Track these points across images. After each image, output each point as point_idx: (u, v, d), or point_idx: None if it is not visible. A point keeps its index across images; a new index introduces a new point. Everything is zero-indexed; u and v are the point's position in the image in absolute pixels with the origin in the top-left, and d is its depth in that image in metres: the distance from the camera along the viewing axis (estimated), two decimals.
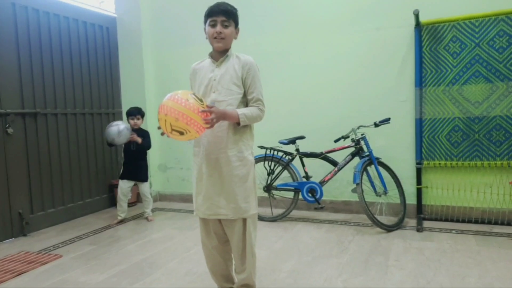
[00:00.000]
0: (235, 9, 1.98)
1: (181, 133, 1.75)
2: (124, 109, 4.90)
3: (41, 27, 3.87)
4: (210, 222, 2.10)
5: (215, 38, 1.93)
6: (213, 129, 1.87)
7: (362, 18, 3.81)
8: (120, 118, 4.91)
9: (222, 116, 1.83)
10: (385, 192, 3.53)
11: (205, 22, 1.98)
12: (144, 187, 4.08)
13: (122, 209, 4.03)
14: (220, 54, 2.00)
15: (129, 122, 3.98)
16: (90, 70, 4.46)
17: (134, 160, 4.00)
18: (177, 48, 4.72)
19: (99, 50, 4.59)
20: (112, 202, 4.73)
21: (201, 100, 1.80)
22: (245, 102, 1.99)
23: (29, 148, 3.75)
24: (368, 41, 3.80)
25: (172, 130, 1.75)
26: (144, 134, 4.03)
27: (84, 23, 4.38)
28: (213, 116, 1.76)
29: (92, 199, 4.48)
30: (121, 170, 4.05)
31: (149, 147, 4.07)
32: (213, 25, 1.93)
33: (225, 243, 2.15)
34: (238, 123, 1.90)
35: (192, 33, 4.58)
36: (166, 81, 4.82)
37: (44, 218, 3.90)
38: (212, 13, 1.92)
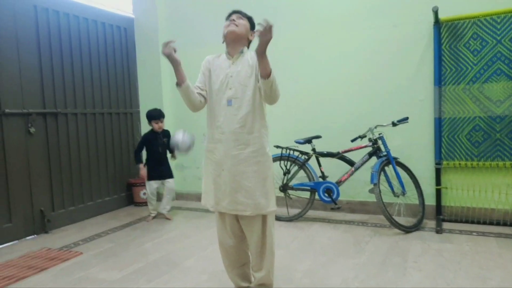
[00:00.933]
0: (250, 15, 2.10)
1: None
2: (142, 108, 4.98)
3: (61, 28, 3.96)
4: (227, 220, 2.11)
5: (227, 28, 1.99)
6: (232, 125, 1.93)
7: (378, 15, 3.75)
8: (138, 118, 4.99)
9: (266, 44, 1.70)
10: (403, 193, 3.48)
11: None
12: (172, 184, 4.17)
13: (153, 207, 4.17)
14: (234, 49, 2.02)
15: (152, 126, 4.06)
16: (109, 70, 4.54)
17: (161, 160, 4.10)
18: (192, 48, 4.74)
19: (117, 50, 4.67)
20: (130, 200, 4.81)
21: None
22: (259, 99, 1.97)
23: (50, 147, 3.85)
24: (385, 38, 3.75)
25: None
26: (168, 134, 4.16)
27: (102, 24, 4.46)
28: (269, 30, 1.66)
29: (110, 197, 4.56)
30: (147, 171, 4.08)
31: None
32: (228, 19, 2.04)
33: (242, 241, 2.16)
34: (267, 76, 1.77)
35: (207, 34, 4.61)
36: None
37: (64, 215, 3.99)
38: (229, 14, 2.08)
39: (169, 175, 4.17)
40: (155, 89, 4.88)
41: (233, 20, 1.99)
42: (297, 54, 4.14)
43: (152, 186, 4.08)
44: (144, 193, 4.72)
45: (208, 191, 2.11)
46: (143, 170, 4.06)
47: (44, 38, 3.80)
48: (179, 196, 5.02)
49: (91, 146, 4.31)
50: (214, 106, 2.03)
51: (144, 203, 4.72)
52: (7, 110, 3.42)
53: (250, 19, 2.08)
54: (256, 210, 1.97)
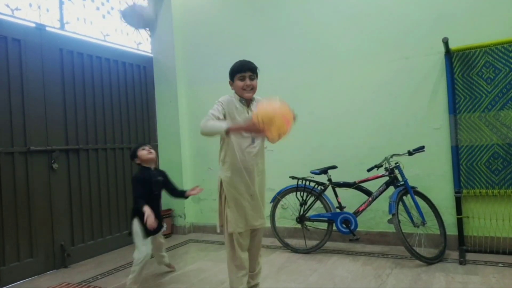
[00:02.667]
0: (255, 65, 2.47)
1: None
2: (160, 143, 5.11)
3: (84, 69, 4.18)
4: (245, 236, 2.51)
5: (244, 89, 2.40)
6: (254, 158, 2.43)
7: (390, 48, 3.83)
8: (156, 152, 5.08)
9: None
10: (423, 223, 3.41)
11: (231, 77, 2.46)
12: (161, 236, 3.37)
13: (163, 260, 3.44)
14: (249, 100, 2.46)
15: (138, 155, 3.18)
16: (129, 106, 4.72)
17: (157, 207, 3.17)
18: (208, 84, 4.91)
19: (136, 87, 4.86)
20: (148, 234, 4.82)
21: None
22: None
23: (72, 182, 3.95)
24: (396, 70, 3.81)
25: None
26: (165, 174, 3.33)
27: (123, 63, 4.68)
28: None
29: (128, 230, 4.59)
30: (138, 226, 3.08)
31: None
32: (242, 79, 2.40)
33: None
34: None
35: (221, 71, 4.71)
36: (198, 115, 4.98)
37: (84, 250, 4.03)
38: (241, 70, 2.41)
39: (162, 225, 3.36)
40: (173, 123, 5.01)
41: (248, 85, 2.40)
42: (312, 87, 4.22)
43: (148, 245, 3.08)
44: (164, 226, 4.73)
45: (237, 216, 2.44)
46: (150, 216, 2.88)
47: (68, 79, 4.00)
48: (196, 228, 5.03)
49: (110, 180, 4.41)
50: (236, 143, 2.40)
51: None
52: (32, 148, 3.57)
53: (256, 71, 2.47)
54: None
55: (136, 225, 3.07)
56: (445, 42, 3.36)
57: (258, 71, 2.48)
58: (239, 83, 2.41)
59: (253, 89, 2.42)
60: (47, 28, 3.83)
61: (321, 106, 4.17)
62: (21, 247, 3.47)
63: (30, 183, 3.57)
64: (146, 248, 3.03)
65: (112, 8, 4.66)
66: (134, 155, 3.21)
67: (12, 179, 3.44)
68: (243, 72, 2.40)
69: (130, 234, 3.16)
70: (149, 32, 5.18)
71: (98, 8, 4.49)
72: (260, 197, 2.50)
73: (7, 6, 3.57)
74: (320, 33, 4.17)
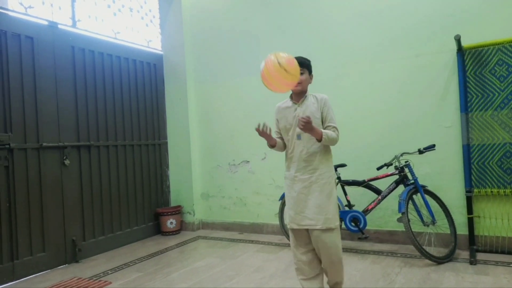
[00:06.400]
0: (308, 60, 2.44)
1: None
2: (170, 139, 5.14)
3: (95, 66, 4.22)
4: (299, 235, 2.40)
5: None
6: (302, 154, 2.34)
7: (400, 46, 3.80)
8: (166, 149, 5.14)
9: (311, 127, 2.20)
10: (433, 222, 3.38)
11: None
12: None
13: None
14: (299, 96, 2.42)
15: None
16: (139, 103, 4.76)
17: None
18: (217, 82, 4.93)
19: (146, 84, 4.90)
20: (157, 230, 4.88)
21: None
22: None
23: (83, 178, 4.01)
24: (408, 68, 3.77)
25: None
26: None
27: (133, 61, 4.71)
28: (307, 121, 2.14)
29: (138, 226, 4.66)
30: None
31: None
32: None
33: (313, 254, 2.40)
34: (319, 140, 2.28)
35: (231, 68, 4.79)
36: (207, 112, 5.02)
37: (95, 245, 4.09)
38: None
39: None
40: (182, 120, 5.04)
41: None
42: (322, 85, 4.17)
43: None
44: (171, 222, 4.80)
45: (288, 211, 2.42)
46: None
47: (80, 76, 4.05)
48: (204, 225, 5.06)
49: (121, 176, 4.46)
50: (288, 141, 2.44)
51: (171, 233, 4.78)
52: (44, 144, 3.63)
53: (308, 66, 2.42)
54: (325, 224, 2.29)
55: None
56: (458, 40, 3.31)
57: (309, 66, 2.42)
58: None
59: (301, 83, 2.34)
60: (59, 26, 3.88)
61: (332, 104, 4.14)
62: (33, 242, 3.53)
63: (43, 179, 3.63)
64: None
65: (123, 6, 4.69)
66: None
67: (25, 175, 3.50)
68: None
69: None
70: (159, 30, 5.21)
71: (109, 6, 4.53)
72: (314, 196, 2.31)
73: (21, 4, 3.62)
74: (331, 30, 4.15)
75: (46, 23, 3.76)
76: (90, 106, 4.14)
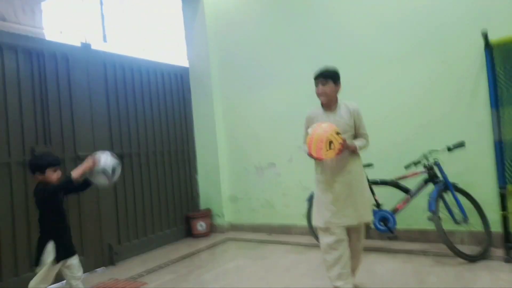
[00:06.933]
0: (332, 70, 2.58)
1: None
2: (197, 146, 5.28)
3: (126, 80, 4.44)
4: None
5: (318, 95, 2.59)
6: (337, 159, 2.47)
7: (427, 45, 3.75)
8: (194, 154, 5.28)
9: (347, 147, 2.47)
10: (465, 220, 3.32)
11: None
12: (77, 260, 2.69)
13: None
14: (329, 106, 2.60)
15: (47, 177, 2.56)
16: (167, 113, 4.95)
17: (67, 228, 2.70)
18: (242, 91, 5.03)
19: (174, 95, 5.09)
20: (188, 233, 5.02)
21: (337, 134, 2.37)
22: (352, 137, 2.61)
23: (117, 185, 4.19)
24: (435, 68, 3.72)
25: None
26: (64, 185, 2.61)
27: (161, 73, 4.92)
28: (342, 148, 2.39)
29: (170, 229, 4.81)
30: (55, 247, 2.52)
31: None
32: (316, 85, 2.59)
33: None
34: (356, 151, 2.58)
35: (255, 77, 4.89)
36: (233, 120, 5.13)
37: (129, 248, 4.26)
38: (315, 76, 2.60)
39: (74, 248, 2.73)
40: (209, 128, 5.19)
41: (320, 90, 2.57)
42: (350, 89, 4.12)
43: (53, 271, 2.54)
44: (201, 225, 4.91)
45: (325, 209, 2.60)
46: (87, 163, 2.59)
47: (111, 90, 4.27)
48: (233, 227, 5.15)
49: (152, 182, 4.63)
50: None
51: (201, 235, 4.90)
52: (80, 153, 3.82)
53: (333, 76, 2.56)
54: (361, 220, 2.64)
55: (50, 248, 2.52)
56: (484, 35, 3.25)
57: (334, 76, 2.56)
58: (315, 89, 2.61)
59: (325, 94, 2.55)
60: (92, 46, 4.12)
61: (359, 103, 4.13)
62: None
63: None
64: (46, 275, 2.51)
65: (149, 23, 4.88)
66: (42, 168, 2.55)
67: None
68: (316, 79, 2.59)
69: (37, 263, 2.52)
70: (185, 42, 5.36)
71: (136, 24, 4.74)
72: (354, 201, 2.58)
73: (57, 29, 3.86)
74: (356, 37, 4.15)
75: (79, 44, 4.02)
76: (122, 117, 4.34)
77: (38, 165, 2.57)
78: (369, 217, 2.64)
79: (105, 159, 2.63)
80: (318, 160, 2.52)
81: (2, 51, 3.36)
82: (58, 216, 2.60)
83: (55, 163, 2.61)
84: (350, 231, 2.60)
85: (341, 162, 2.53)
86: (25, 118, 3.49)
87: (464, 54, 3.57)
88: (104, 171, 2.59)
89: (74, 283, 2.65)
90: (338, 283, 2.50)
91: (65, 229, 2.65)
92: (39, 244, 2.53)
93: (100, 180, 2.63)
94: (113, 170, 2.63)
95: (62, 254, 2.54)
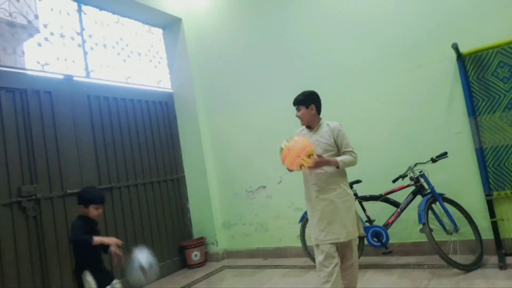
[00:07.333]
0: (303, 95, 2.74)
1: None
2: (187, 173, 5.26)
3: (111, 111, 4.44)
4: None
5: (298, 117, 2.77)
6: (321, 177, 2.58)
7: (401, 59, 3.88)
8: (184, 183, 5.25)
9: (326, 162, 2.54)
10: (456, 229, 3.35)
11: None
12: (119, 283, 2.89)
13: None
14: (310, 126, 2.76)
15: (90, 212, 2.79)
16: (154, 141, 4.93)
17: (101, 260, 2.89)
18: (227, 112, 5.09)
19: (160, 122, 5.09)
20: (183, 263, 4.93)
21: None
22: (336, 155, 2.65)
23: (107, 219, 4.13)
24: (410, 79, 3.84)
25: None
26: (96, 222, 2.94)
27: (146, 102, 4.93)
28: (316, 162, 2.44)
29: (164, 262, 4.72)
30: (90, 276, 2.69)
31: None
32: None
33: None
34: (337, 167, 2.59)
35: (238, 98, 4.96)
36: (221, 143, 5.15)
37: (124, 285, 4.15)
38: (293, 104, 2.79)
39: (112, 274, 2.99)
40: (197, 153, 5.18)
41: (296, 114, 2.75)
42: (328, 104, 4.25)
43: None
44: (196, 255, 4.84)
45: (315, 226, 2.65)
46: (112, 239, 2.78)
47: (96, 122, 4.26)
48: (228, 254, 5.09)
49: (143, 214, 4.57)
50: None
51: (197, 265, 4.82)
52: (68, 191, 3.78)
53: (302, 102, 2.71)
54: (348, 237, 2.62)
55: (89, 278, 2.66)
56: (455, 48, 3.38)
57: (304, 101, 2.71)
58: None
59: (301, 118, 2.74)
60: (74, 78, 4.12)
61: (341, 122, 4.21)
62: (65, 286, 3.62)
63: (69, 225, 3.75)
64: None
65: (131, 52, 4.94)
66: (86, 202, 2.77)
67: (53, 223, 3.65)
68: (294, 106, 2.78)
69: None
70: (167, 69, 5.44)
71: (119, 53, 4.78)
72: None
73: (38, 62, 3.87)
74: (331, 52, 4.28)
75: (62, 77, 4.00)
76: (108, 150, 4.32)
77: (83, 198, 2.78)
78: (356, 233, 2.64)
79: (142, 256, 2.74)
80: (290, 171, 2.59)
81: None
82: (89, 249, 2.69)
83: (98, 202, 2.80)
84: (342, 248, 2.62)
85: (326, 180, 2.60)
86: (9, 157, 3.45)
87: (438, 66, 3.70)
88: (141, 267, 2.67)
89: None
90: None
91: (97, 259, 2.77)
92: (76, 276, 2.71)
93: (137, 276, 2.70)
94: (150, 266, 2.71)
95: (103, 282, 2.68)
